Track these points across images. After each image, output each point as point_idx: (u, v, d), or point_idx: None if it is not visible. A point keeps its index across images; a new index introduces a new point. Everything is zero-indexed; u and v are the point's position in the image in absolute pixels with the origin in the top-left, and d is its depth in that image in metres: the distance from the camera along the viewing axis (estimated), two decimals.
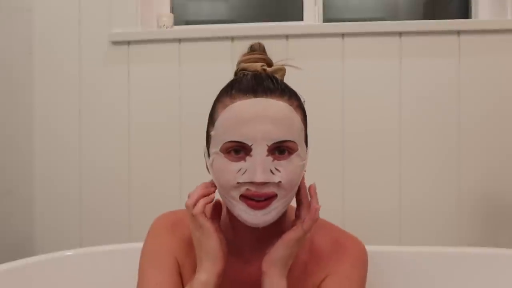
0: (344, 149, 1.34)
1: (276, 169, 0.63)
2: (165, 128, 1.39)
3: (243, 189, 0.63)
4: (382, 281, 1.00)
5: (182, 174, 1.38)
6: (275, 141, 0.63)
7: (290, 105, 0.66)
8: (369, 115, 1.34)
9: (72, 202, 1.44)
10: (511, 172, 1.30)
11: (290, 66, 0.74)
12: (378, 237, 1.25)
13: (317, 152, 1.34)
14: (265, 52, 0.73)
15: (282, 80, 0.71)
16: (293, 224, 0.69)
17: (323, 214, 0.73)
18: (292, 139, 0.64)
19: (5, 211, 1.39)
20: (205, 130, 0.71)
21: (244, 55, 0.73)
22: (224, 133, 0.64)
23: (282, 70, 0.72)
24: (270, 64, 0.73)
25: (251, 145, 0.63)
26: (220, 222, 0.71)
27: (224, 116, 0.65)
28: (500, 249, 1.05)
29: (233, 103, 0.65)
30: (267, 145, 0.63)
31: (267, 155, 0.63)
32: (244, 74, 0.70)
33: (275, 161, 0.63)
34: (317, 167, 1.34)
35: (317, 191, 0.68)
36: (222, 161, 0.65)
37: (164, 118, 1.40)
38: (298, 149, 0.65)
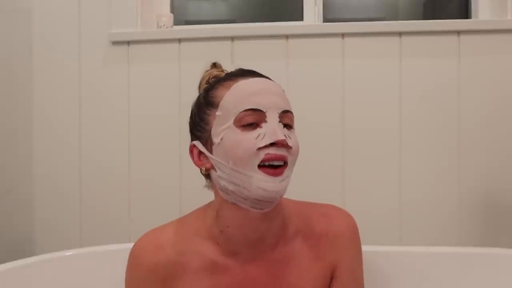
0: (344, 148, 1.34)
1: (288, 136, 0.68)
2: (165, 128, 1.39)
3: (262, 155, 0.65)
4: (382, 281, 0.99)
5: (182, 174, 1.38)
6: (283, 110, 0.69)
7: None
8: (369, 115, 1.33)
9: (72, 202, 1.44)
10: (511, 172, 1.30)
11: None
12: (378, 237, 1.25)
13: (318, 152, 1.34)
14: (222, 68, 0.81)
15: None
16: None
17: None
18: (292, 111, 0.71)
19: (5, 211, 1.39)
20: (193, 128, 0.73)
21: (208, 70, 0.80)
22: (236, 106, 0.67)
23: None
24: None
25: (266, 111, 0.67)
26: (206, 229, 0.74)
27: (231, 92, 0.69)
28: (500, 249, 1.05)
29: (237, 82, 0.70)
30: (278, 113, 0.68)
31: (279, 122, 0.68)
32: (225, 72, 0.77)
33: (285, 128, 0.69)
34: (317, 167, 1.34)
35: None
36: (237, 134, 0.66)
37: (164, 118, 1.40)
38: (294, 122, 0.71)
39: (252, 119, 0.67)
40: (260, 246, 0.73)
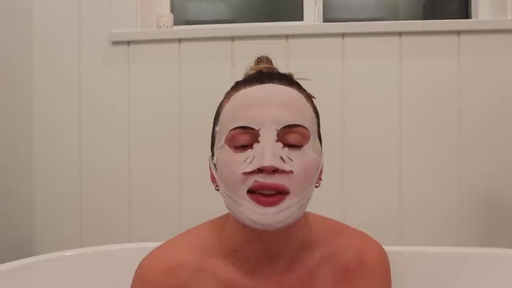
0: (344, 148, 1.34)
1: (288, 158, 0.57)
2: (165, 128, 1.39)
3: (250, 181, 0.56)
4: None
5: (182, 173, 1.38)
6: (285, 125, 0.57)
7: (300, 93, 0.62)
8: (369, 115, 1.34)
9: (72, 202, 1.44)
10: (511, 172, 1.30)
11: (300, 79, 0.69)
12: (378, 237, 1.25)
13: None
14: (272, 63, 0.70)
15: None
16: None
17: (323, 213, 0.73)
18: (303, 125, 0.59)
19: (5, 211, 1.39)
20: (210, 136, 0.67)
21: (251, 67, 0.70)
22: (228, 122, 0.59)
23: (291, 76, 0.69)
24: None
25: (259, 129, 0.57)
26: (220, 247, 0.66)
27: (228, 105, 0.61)
28: (500, 249, 1.05)
29: (239, 91, 0.62)
30: (276, 129, 0.57)
31: (277, 141, 0.57)
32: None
33: (287, 149, 0.57)
34: None
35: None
36: (227, 154, 0.58)
37: (164, 118, 1.40)
38: (310, 137, 0.59)
39: (244, 138, 0.58)
40: (277, 266, 0.65)
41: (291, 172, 0.56)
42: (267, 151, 0.56)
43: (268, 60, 0.70)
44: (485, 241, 1.29)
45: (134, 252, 0.96)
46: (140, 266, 0.66)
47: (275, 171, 0.56)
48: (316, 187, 0.64)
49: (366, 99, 1.34)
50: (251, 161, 0.56)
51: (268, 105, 0.58)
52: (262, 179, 0.56)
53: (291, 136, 0.58)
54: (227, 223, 0.66)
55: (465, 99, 1.31)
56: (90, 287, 1.01)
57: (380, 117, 1.33)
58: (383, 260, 0.70)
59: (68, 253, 1.04)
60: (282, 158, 0.56)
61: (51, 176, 1.45)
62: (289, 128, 0.58)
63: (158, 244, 0.69)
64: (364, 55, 1.34)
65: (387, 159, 1.33)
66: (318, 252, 0.67)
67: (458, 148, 1.31)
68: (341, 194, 1.33)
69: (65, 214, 1.44)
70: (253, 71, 0.67)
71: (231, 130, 0.59)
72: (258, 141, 0.57)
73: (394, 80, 1.33)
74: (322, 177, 0.65)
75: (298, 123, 0.58)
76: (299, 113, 0.59)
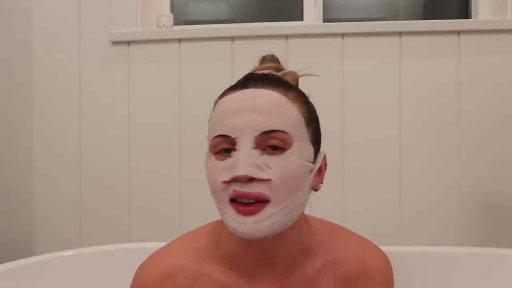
0: (344, 148, 1.34)
1: (266, 165, 0.56)
2: (165, 128, 1.39)
3: (230, 191, 0.56)
4: None
5: (182, 173, 1.38)
6: (263, 131, 0.56)
7: (284, 95, 0.60)
8: (369, 115, 1.34)
9: (72, 202, 1.44)
10: (511, 172, 1.30)
11: (306, 75, 0.68)
12: (378, 237, 1.24)
13: None
14: (277, 62, 0.69)
15: (285, 80, 0.66)
16: None
17: (323, 213, 0.73)
18: (283, 130, 0.57)
19: (5, 211, 1.39)
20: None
21: (256, 67, 0.69)
22: (212, 130, 0.60)
23: (292, 74, 0.68)
24: (279, 70, 0.69)
25: (236, 137, 0.57)
26: (218, 251, 0.65)
27: (213, 113, 0.62)
28: (500, 249, 1.05)
29: (223, 97, 0.62)
30: (254, 137, 0.56)
31: (255, 148, 0.56)
32: None
33: (265, 155, 0.56)
34: None
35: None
36: (211, 162, 0.59)
37: (164, 118, 1.40)
38: (293, 142, 0.58)
39: (225, 146, 0.58)
40: (275, 271, 0.64)
41: (269, 180, 0.55)
42: (241, 160, 0.55)
43: (273, 58, 0.69)
44: (485, 241, 1.29)
45: (134, 252, 0.96)
46: (138, 272, 0.65)
47: (251, 179, 0.55)
48: (316, 190, 0.63)
49: (366, 99, 1.34)
50: (229, 170, 0.56)
51: (247, 112, 0.57)
52: (239, 188, 0.55)
53: (271, 142, 0.57)
54: (224, 227, 0.65)
55: (465, 99, 1.31)
56: (90, 287, 1.01)
57: (380, 117, 1.33)
58: (386, 267, 0.69)
59: (68, 253, 1.04)
60: (259, 166, 0.56)
61: (51, 176, 1.45)
62: (267, 134, 0.57)
63: (158, 244, 0.69)
64: (364, 55, 1.34)
65: (387, 159, 1.33)
66: (319, 258, 0.66)
67: (458, 148, 1.31)
68: (341, 194, 1.33)
69: (65, 214, 1.44)
70: (257, 72, 0.67)
71: (213, 138, 0.59)
72: (235, 149, 0.57)
73: (394, 80, 1.33)
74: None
75: (276, 128, 0.57)
76: (279, 118, 0.58)
